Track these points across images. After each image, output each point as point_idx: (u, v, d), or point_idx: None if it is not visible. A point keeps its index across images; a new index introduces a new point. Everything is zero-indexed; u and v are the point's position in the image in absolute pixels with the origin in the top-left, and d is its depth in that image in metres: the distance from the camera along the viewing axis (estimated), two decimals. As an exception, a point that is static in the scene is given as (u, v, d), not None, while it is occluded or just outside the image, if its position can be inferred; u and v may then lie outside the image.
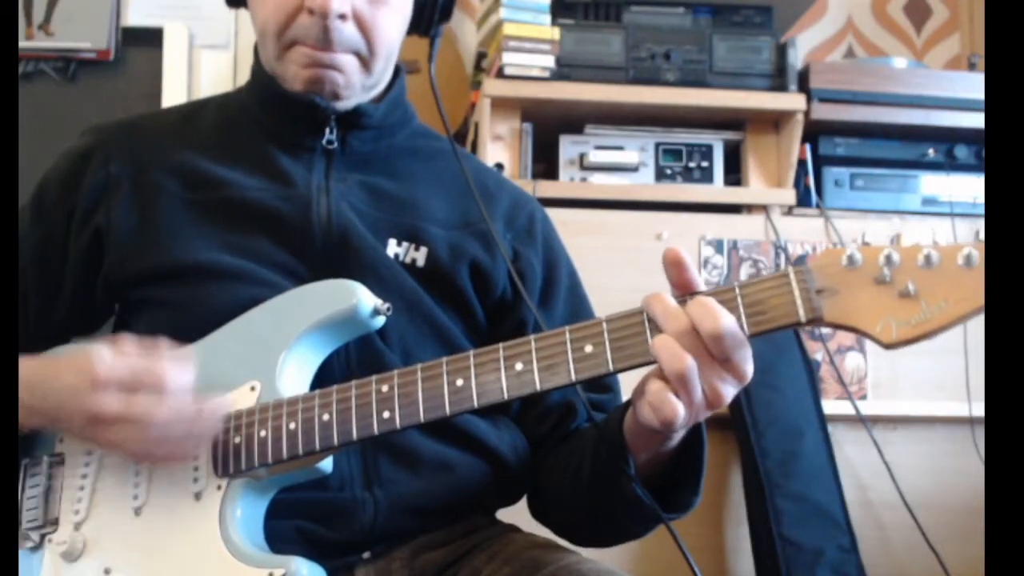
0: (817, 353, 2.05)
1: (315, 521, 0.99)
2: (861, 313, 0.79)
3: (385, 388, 0.90)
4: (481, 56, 2.32)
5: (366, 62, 1.09)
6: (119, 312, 1.13)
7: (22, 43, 2.43)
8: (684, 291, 0.85)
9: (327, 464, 0.95)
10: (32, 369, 0.95)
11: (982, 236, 0.77)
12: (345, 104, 1.11)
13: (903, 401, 2.05)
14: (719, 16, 2.22)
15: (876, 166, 2.20)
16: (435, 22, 1.18)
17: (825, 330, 2.06)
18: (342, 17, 1.04)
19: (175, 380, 0.89)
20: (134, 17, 2.51)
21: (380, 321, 1.00)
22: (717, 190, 2.16)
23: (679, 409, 0.82)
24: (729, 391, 0.84)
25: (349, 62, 1.08)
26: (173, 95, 2.46)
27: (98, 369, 0.88)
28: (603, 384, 1.14)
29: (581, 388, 1.09)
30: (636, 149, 2.15)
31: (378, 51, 1.09)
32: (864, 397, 2.05)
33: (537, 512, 1.16)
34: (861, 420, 2.01)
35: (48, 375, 0.93)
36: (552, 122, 2.13)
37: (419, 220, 1.10)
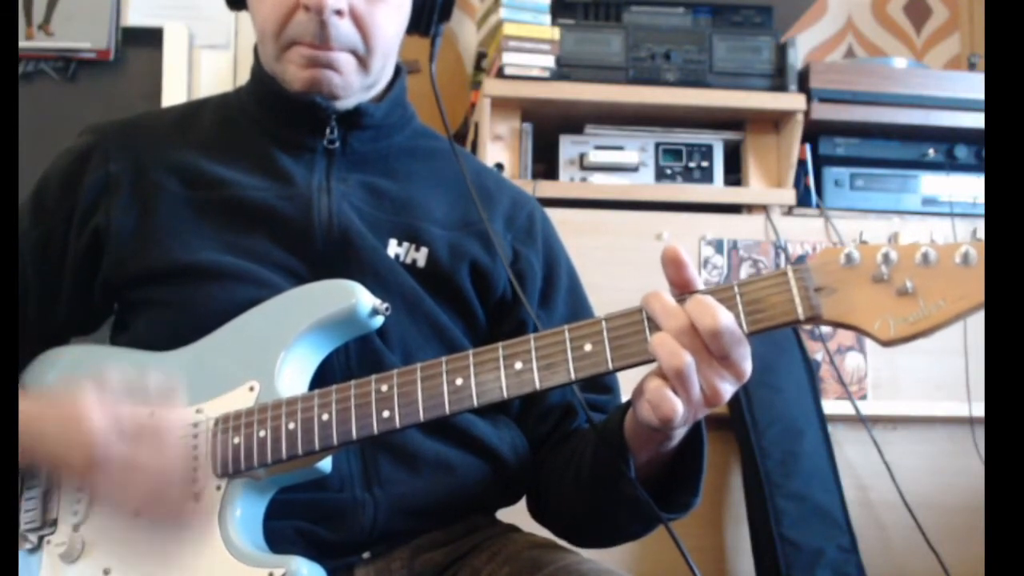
0: (817, 353, 2.05)
1: (315, 522, 0.99)
2: (859, 311, 0.79)
3: (384, 388, 0.90)
4: (481, 56, 2.32)
5: (363, 60, 1.09)
6: (118, 312, 1.13)
7: (22, 43, 2.43)
8: (683, 290, 0.85)
9: (326, 464, 0.95)
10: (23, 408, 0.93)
11: (979, 235, 0.77)
12: (345, 104, 1.11)
13: (903, 401, 2.05)
14: (719, 16, 2.22)
15: (876, 166, 2.21)
16: (435, 21, 1.18)
17: (825, 330, 2.06)
18: (338, 13, 1.04)
19: (172, 426, 0.91)
20: (134, 17, 2.51)
21: (379, 321, 0.99)
22: (717, 190, 2.16)
23: (678, 406, 0.82)
24: (727, 389, 0.84)
25: (346, 61, 1.08)
26: (173, 95, 2.46)
27: (91, 420, 0.88)
28: (603, 385, 1.14)
29: (580, 389, 1.09)
30: (636, 149, 2.15)
31: (375, 48, 1.08)
32: (864, 397, 2.05)
33: (537, 513, 1.16)
34: (861, 420, 2.01)
35: (34, 428, 0.91)
36: (552, 122, 2.13)
37: (419, 220, 1.10)
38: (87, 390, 0.90)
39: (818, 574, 1.85)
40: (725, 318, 0.80)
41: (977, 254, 0.76)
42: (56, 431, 0.90)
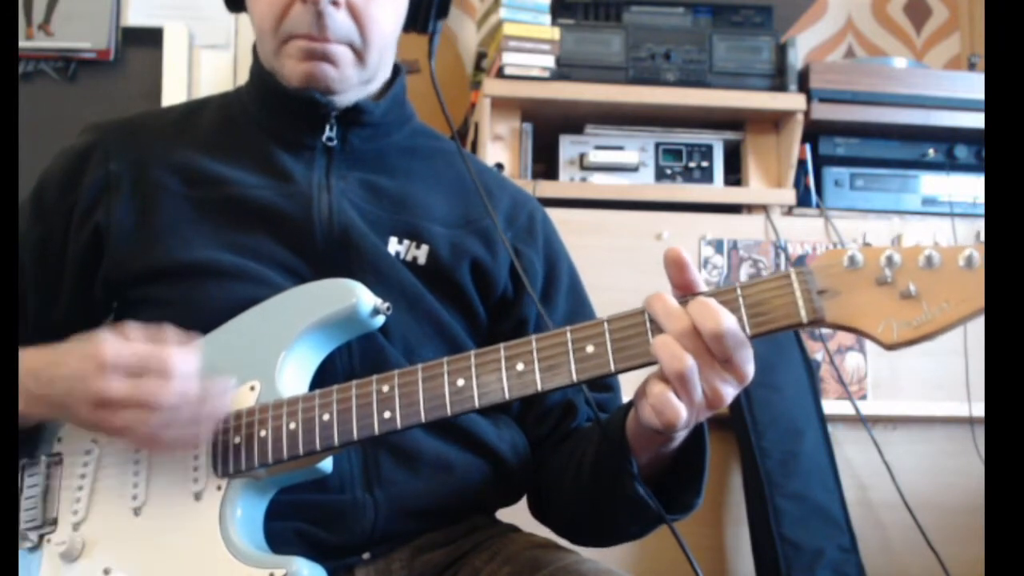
0: (817, 353, 2.05)
1: (315, 523, 0.99)
2: (863, 314, 0.79)
3: (386, 388, 0.90)
4: (481, 56, 2.32)
5: (360, 54, 1.09)
6: (117, 311, 1.13)
7: (22, 43, 2.43)
8: (685, 291, 0.85)
9: (327, 464, 0.95)
10: (37, 357, 0.95)
11: (983, 237, 0.77)
12: (343, 99, 1.11)
13: (903, 401, 2.05)
14: (719, 16, 2.22)
15: (876, 166, 2.21)
16: (433, 18, 1.18)
17: (825, 330, 2.06)
18: (334, 4, 1.05)
19: (181, 364, 0.89)
20: (134, 17, 2.51)
21: (380, 320, 0.99)
22: (717, 190, 2.16)
23: (681, 411, 0.82)
24: (730, 392, 0.84)
25: (343, 53, 1.08)
26: (173, 95, 2.46)
27: (104, 353, 0.88)
28: (603, 383, 1.14)
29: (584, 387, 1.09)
30: (636, 149, 2.15)
31: (371, 40, 1.09)
32: (864, 397, 2.05)
33: (537, 512, 1.16)
34: (861, 420, 2.01)
35: (53, 362, 0.93)
36: (552, 122, 2.13)
37: (419, 218, 1.11)
38: (103, 334, 0.91)
39: (818, 574, 1.86)
40: (728, 321, 0.80)
41: (981, 257, 0.76)
42: (67, 372, 0.91)
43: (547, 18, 2.12)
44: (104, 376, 0.88)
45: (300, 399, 0.93)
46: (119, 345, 0.89)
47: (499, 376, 0.87)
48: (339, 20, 1.06)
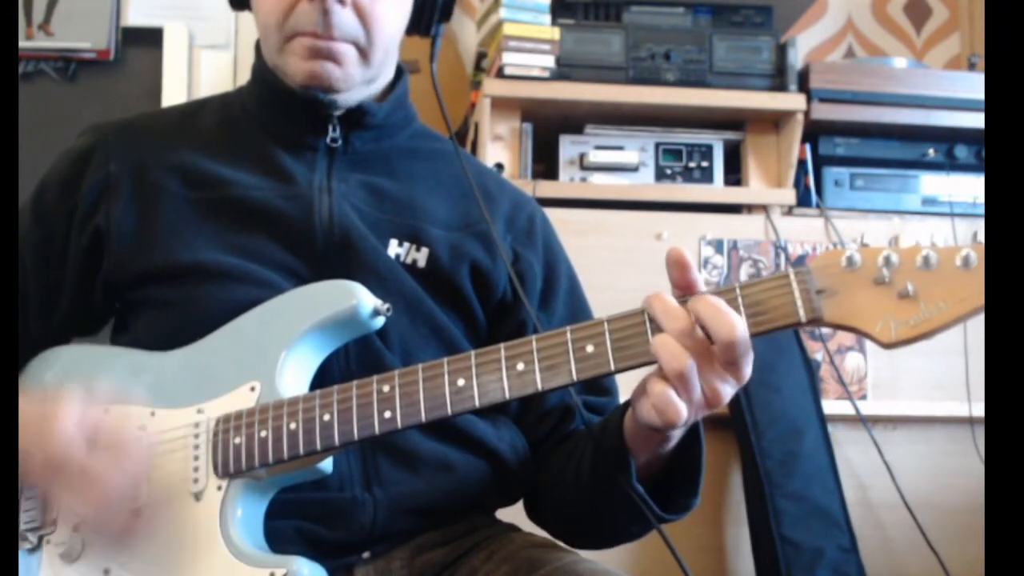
0: (817, 353, 2.05)
1: (315, 521, 0.99)
2: (861, 313, 0.80)
3: (386, 388, 0.90)
4: (481, 56, 2.32)
5: (365, 53, 1.09)
6: (119, 312, 1.13)
7: (22, 43, 2.43)
8: (685, 292, 0.85)
9: (327, 464, 0.95)
10: None
11: (980, 238, 0.78)
12: (346, 99, 1.11)
13: (903, 401, 2.05)
14: (719, 16, 2.22)
15: (876, 166, 2.21)
16: (435, 21, 1.18)
17: (825, 330, 2.06)
18: (341, 3, 1.05)
19: (135, 448, 0.90)
20: (134, 17, 2.51)
21: (380, 322, 1.00)
22: (717, 190, 2.16)
23: (683, 410, 0.82)
24: (728, 391, 0.84)
25: (348, 52, 1.08)
26: (173, 95, 2.46)
27: (62, 419, 0.88)
28: (602, 387, 1.14)
29: (579, 391, 1.09)
30: (636, 149, 2.15)
31: (377, 40, 1.09)
32: (864, 397, 2.05)
33: (534, 513, 1.16)
34: (861, 420, 2.01)
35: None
36: (552, 122, 2.13)
37: (420, 221, 1.10)
38: (71, 394, 0.90)
39: (818, 574, 1.86)
40: (742, 328, 0.81)
41: (978, 257, 0.76)
42: (27, 428, 0.89)
43: (547, 18, 2.12)
44: (60, 441, 0.87)
45: (300, 399, 0.93)
46: (78, 412, 0.89)
47: (499, 376, 0.87)
48: (345, 19, 1.06)
